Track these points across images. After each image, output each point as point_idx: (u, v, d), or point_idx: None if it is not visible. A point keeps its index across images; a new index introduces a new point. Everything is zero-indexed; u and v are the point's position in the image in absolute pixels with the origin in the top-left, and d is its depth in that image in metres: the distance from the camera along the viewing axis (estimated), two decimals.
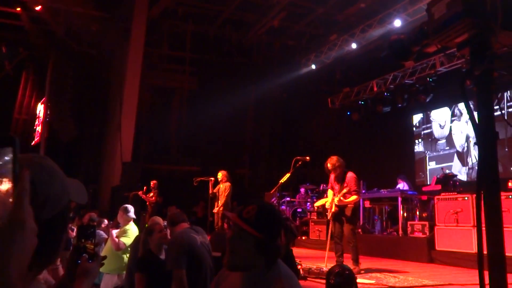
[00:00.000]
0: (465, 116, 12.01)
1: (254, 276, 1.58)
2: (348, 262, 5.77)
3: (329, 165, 5.90)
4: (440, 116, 13.34)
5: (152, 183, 10.17)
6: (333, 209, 5.83)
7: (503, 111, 9.54)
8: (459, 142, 12.59)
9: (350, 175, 5.88)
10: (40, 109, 15.46)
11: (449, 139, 12.95)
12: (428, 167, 13.00)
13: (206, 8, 13.14)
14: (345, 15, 12.66)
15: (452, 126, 12.71)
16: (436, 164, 12.71)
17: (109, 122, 13.66)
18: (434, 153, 13.35)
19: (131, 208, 5.20)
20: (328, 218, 6.09)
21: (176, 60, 14.85)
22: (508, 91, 10.67)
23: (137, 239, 4.32)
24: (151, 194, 10.09)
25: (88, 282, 1.07)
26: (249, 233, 1.56)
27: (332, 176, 6.02)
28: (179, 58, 14.78)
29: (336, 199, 5.78)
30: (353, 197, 5.80)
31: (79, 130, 13.90)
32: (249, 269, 1.59)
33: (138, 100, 12.70)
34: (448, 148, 12.71)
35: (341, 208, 5.82)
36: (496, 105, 7.94)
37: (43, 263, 0.91)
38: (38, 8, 11.74)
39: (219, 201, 8.18)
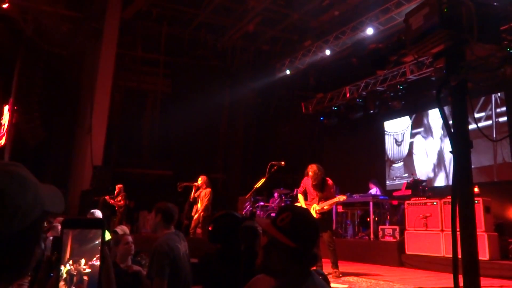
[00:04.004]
0: (436, 132, 10.88)
1: (287, 286, 1.54)
2: (328, 266, 5.86)
3: (310, 173, 5.98)
4: (396, 126, 12.00)
5: (117, 187, 10.04)
6: (313, 215, 5.89)
7: (478, 124, 9.51)
8: (423, 168, 10.60)
9: (330, 182, 6.02)
10: (5, 111, 14.89)
11: (408, 162, 11.28)
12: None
13: (181, 10, 13.03)
14: (319, 22, 12.84)
15: (414, 143, 11.16)
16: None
17: (80, 124, 13.31)
18: (387, 182, 11.46)
19: (98, 213, 5.10)
20: None
21: (149, 62, 14.64)
22: (499, 93, 9.53)
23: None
24: (119, 198, 9.94)
25: None
26: (283, 243, 1.51)
27: (309, 182, 6.08)
28: (153, 60, 14.58)
29: (318, 207, 5.87)
30: (332, 201, 5.92)
31: (47, 133, 13.46)
32: (283, 276, 1.55)
33: (110, 103, 12.44)
34: (406, 175, 10.80)
35: (323, 215, 5.93)
36: (481, 111, 7.97)
37: (11, 277, 0.86)
38: (5, 5, 11.33)
39: (198, 206, 8.18)
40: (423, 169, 11.00)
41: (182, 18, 13.46)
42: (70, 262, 0.99)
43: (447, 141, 10.62)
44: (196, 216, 8.14)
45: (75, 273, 0.98)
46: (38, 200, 0.90)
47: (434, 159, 10.89)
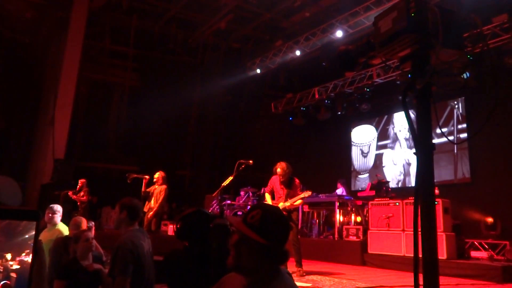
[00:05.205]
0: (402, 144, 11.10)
1: (257, 284, 1.54)
2: (292, 265, 5.91)
3: (279, 169, 6.02)
4: (362, 136, 12.21)
5: (80, 182, 9.71)
6: None
7: (450, 137, 9.86)
8: (391, 173, 10.89)
9: (297, 181, 6.08)
10: None
11: (373, 173, 11.34)
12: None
13: (152, 4, 12.79)
14: (290, 23, 12.94)
15: (383, 155, 11.34)
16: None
17: (42, 115, 12.82)
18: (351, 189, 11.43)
19: (58, 208, 4.93)
20: None
21: (118, 55, 14.28)
22: (460, 110, 9.93)
23: (58, 242, 4.12)
24: (82, 193, 9.64)
25: None
26: (253, 239, 1.52)
27: (276, 181, 6.11)
28: (121, 53, 14.24)
29: (287, 204, 5.91)
30: (299, 201, 5.99)
31: (6, 123, 12.90)
32: (253, 273, 1.55)
33: (75, 94, 12.04)
34: (369, 182, 10.53)
35: (289, 213, 5.97)
36: (444, 127, 8.26)
37: None
38: None
39: (152, 202, 7.92)
40: (391, 174, 11.28)
41: (153, 12, 13.22)
42: None
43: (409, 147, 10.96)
44: (150, 213, 7.87)
45: (1, 269, 0.88)
46: None
47: (400, 162, 11.19)
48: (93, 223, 4.95)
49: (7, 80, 12.86)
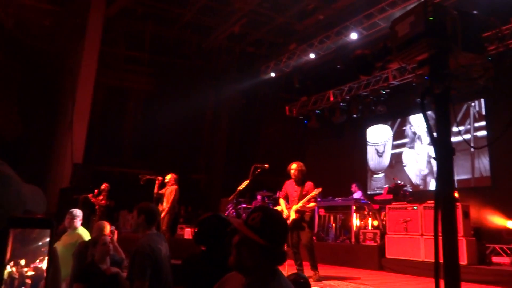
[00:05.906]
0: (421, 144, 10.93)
1: (256, 283, 1.61)
2: (307, 269, 5.87)
3: (294, 165, 6.03)
4: (378, 137, 12.15)
5: (104, 185, 9.86)
6: (293, 216, 5.89)
7: (463, 136, 9.70)
8: (412, 175, 10.85)
9: (310, 183, 6.05)
10: None
11: (389, 172, 11.30)
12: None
13: (167, 9, 12.93)
14: (304, 26, 12.91)
15: (403, 154, 11.24)
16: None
17: (60, 121, 13.07)
18: (368, 192, 11.32)
19: (77, 212, 4.99)
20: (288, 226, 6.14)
21: (133, 61, 14.48)
22: (477, 108, 9.84)
23: (82, 246, 4.18)
24: (101, 197, 9.77)
25: None
26: (253, 240, 1.59)
27: (290, 184, 6.10)
28: (137, 59, 14.43)
29: (299, 205, 5.89)
30: (312, 204, 5.95)
31: (26, 128, 13.18)
32: (253, 273, 1.63)
33: (92, 100, 12.25)
34: (387, 186, 10.35)
35: (301, 214, 5.94)
36: (460, 125, 8.12)
37: None
38: None
39: (164, 204, 8.02)
40: (407, 177, 11.12)
41: (168, 17, 13.36)
42: (11, 263, 0.88)
43: (426, 147, 10.81)
44: (163, 214, 7.95)
45: (16, 276, 0.89)
46: (20, 200, 0.89)
47: (419, 166, 11.01)
48: (113, 227, 5.01)
49: (26, 86, 13.15)
